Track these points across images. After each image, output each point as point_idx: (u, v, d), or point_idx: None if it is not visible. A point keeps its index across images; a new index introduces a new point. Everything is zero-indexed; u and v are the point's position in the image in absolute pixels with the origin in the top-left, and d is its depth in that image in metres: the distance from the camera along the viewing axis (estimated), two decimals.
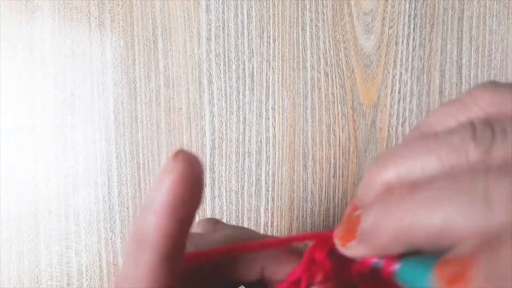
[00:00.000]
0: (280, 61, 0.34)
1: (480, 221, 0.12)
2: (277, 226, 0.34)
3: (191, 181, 0.14)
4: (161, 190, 0.14)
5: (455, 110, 0.15)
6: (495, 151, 0.13)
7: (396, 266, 0.14)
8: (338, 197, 0.34)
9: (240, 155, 0.34)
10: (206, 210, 0.34)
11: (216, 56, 0.34)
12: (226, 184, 0.34)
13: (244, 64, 0.34)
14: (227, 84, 0.34)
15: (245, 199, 0.34)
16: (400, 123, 0.34)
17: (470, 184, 0.12)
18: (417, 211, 0.13)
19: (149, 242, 0.14)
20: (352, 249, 0.15)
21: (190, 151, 0.14)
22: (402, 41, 0.34)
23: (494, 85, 0.15)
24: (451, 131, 0.14)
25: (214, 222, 0.23)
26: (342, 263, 0.16)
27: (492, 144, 0.13)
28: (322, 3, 0.34)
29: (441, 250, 0.13)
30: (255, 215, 0.34)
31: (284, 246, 0.18)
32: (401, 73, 0.34)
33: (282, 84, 0.34)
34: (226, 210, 0.34)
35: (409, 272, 0.14)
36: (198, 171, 0.14)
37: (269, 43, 0.34)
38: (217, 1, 0.34)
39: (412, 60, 0.34)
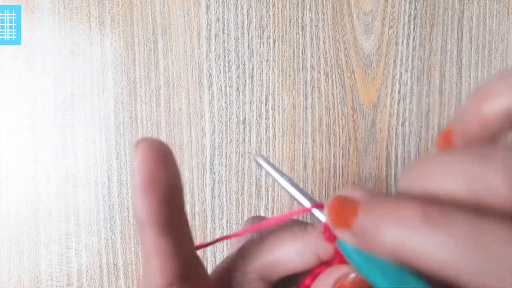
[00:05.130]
0: (280, 61, 0.34)
1: None
2: None
3: (156, 161, 0.15)
4: (134, 176, 0.15)
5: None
6: None
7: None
8: None
9: (240, 155, 0.34)
10: (206, 210, 0.34)
11: (216, 56, 0.34)
12: (226, 184, 0.34)
13: (244, 64, 0.34)
14: (227, 84, 0.34)
15: (245, 199, 0.34)
16: (400, 123, 0.34)
17: None
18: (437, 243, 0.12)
19: (141, 222, 0.15)
20: (343, 235, 0.15)
21: (153, 138, 0.15)
22: (402, 41, 0.34)
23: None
24: None
25: (259, 219, 0.23)
26: None
27: None
28: (322, 3, 0.34)
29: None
30: (255, 215, 0.34)
31: (287, 220, 0.18)
32: (401, 73, 0.34)
33: (282, 84, 0.34)
34: (226, 210, 0.34)
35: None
36: (161, 151, 0.15)
37: (269, 43, 0.34)
38: (217, 1, 0.34)
39: (412, 60, 0.34)
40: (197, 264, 0.18)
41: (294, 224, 0.20)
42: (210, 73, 0.34)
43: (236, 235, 0.19)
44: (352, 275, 0.16)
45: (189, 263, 0.17)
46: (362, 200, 0.15)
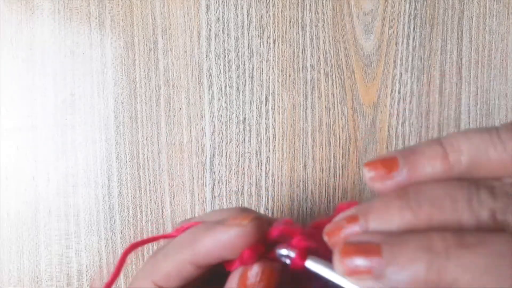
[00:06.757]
0: (280, 61, 0.34)
1: None
2: None
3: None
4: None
5: (435, 154, 0.16)
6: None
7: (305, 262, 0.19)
8: (338, 197, 0.34)
9: (240, 155, 0.34)
10: (206, 210, 0.34)
11: (216, 56, 0.34)
12: (226, 184, 0.34)
13: (244, 64, 0.34)
14: (227, 84, 0.34)
15: (245, 199, 0.34)
16: (400, 123, 0.34)
17: None
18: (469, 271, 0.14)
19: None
20: (366, 282, 0.16)
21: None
22: (402, 41, 0.34)
23: (470, 132, 0.17)
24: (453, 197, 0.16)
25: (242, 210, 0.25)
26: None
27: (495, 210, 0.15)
28: (322, 3, 0.34)
29: None
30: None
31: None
32: (401, 73, 0.34)
33: (282, 84, 0.34)
34: None
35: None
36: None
37: (269, 43, 0.34)
38: (217, 1, 0.34)
39: (412, 60, 0.34)
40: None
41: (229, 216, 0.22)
42: (210, 73, 0.34)
43: (170, 235, 0.22)
44: (256, 269, 0.19)
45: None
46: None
